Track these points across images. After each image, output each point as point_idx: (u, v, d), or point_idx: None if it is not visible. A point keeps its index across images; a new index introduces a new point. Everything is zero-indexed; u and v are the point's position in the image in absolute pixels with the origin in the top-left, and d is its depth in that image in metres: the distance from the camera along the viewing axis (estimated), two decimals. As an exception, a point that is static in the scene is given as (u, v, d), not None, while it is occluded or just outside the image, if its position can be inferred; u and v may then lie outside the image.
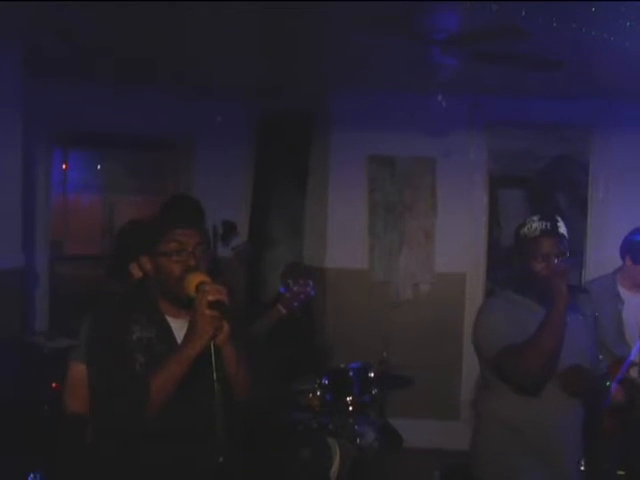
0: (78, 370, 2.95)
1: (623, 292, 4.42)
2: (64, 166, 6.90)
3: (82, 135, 6.77)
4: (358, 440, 5.11)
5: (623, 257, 4.49)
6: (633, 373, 4.30)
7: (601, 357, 4.11)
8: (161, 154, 7.36)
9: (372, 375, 5.22)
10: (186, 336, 2.27)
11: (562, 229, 3.04)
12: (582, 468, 4.80)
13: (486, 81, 5.69)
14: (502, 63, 4.39)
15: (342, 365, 5.29)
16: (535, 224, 3.04)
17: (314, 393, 5.09)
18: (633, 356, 4.31)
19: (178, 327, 2.37)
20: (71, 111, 6.12)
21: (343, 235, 6.78)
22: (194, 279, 2.28)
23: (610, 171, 6.29)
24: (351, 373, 5.17)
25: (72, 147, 7.01)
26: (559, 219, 3.07)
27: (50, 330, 5.69)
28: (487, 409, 3.27)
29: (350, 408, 5.10)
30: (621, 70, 5.00)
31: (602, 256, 5.31)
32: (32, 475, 3.63)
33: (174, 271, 2.36)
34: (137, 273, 2.53)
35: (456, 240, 6.63)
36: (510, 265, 3.17)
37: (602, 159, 6.36)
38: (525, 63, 4.32)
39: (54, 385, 4.08)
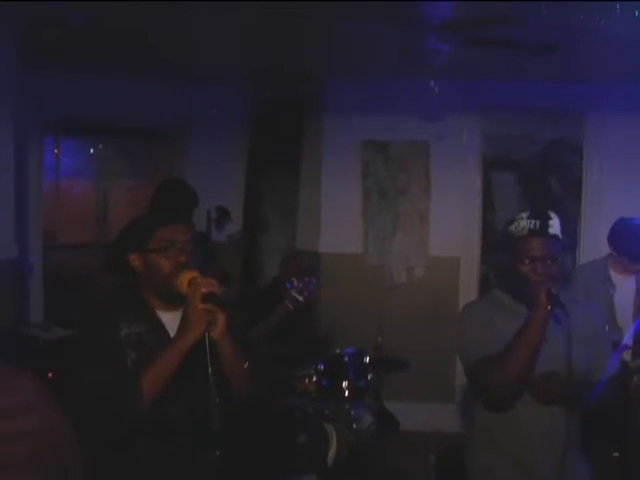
0: None
1: (615, 276, 4.43)
2: (55, 151, 6.86)
3: (74, 123, 6.73)
4: (354, 425, 5.13)
5: (610, 244, 4.49)
6: (626, 357, 4.33)
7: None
8: (154, 142, 7.33)
9: (367, 360, 5.23)
10: (179, 329, 2.27)
11: (554, 228, 2.73)
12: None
13: (480, 65, 5.68)
14: (496, 48, 4.37)
15: (337, 350, 5.31)
16: (523, 222, 2.76)
17: (310, 379, 5.11)
18: (627, 340, 4.34)
19: (170, 320, 2.36)
20: (63, 99, 6.08)
21: (337, 220, 6.79)
22: (185, 276, 2.28)
23: (604, 154, 6.29)
24: (346, 358, 5.19)
25: (64, 135, 6.97)
26: (552, 216, 2.76)
27: (45, 321, 5.67)
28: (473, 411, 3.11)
29: (346, 393, 5.12)
30: (614, 54, 5.00)
31: (596, 239, 5.31)
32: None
33: (164, 268, 2.36)
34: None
35: (450, 224, 6.64)
36: (499, 261, 2.92)
37: (596, 143, 6.36)
38: (519, 48, 4.30)
39: (50, 375, 4.09)
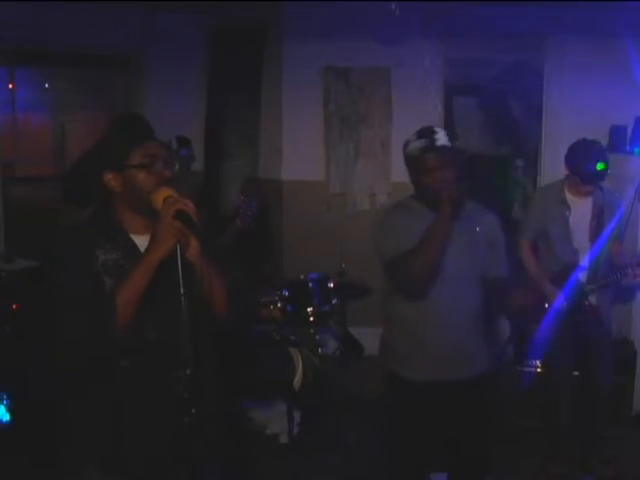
0: None
1: (570, 198, 4.45)
2: (10, 86, 6.70)
3: (28, 53, 6.55)
4: (320, 350, 5.22)
5: (566, 165, 4.51)
6: (583, 278, 4.42)
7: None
8: (112, 71, 7.18)
9: (331, 285, 5.29)
10: (149, 244, 2.26)
11: (440, 141, 3.10)
12: (538, 370, 5.03)
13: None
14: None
15: (301, 276, 5.35)
16: (414, 143, 3.15)
17: (275, 305, 5.15)
18: (584, 262, 4.42)
19: (145, 244, 2.34)
20: (16, 28, 5.90)
21: (298, 147, 6.77)
22: (162, 193, 2.26)
23: (564, 77, 6.30)
24: (311, 284, 5.23)
25: (19, 67, 6.80)
26: (437, 130, 3.14)
27: (7, 253, 5.61)
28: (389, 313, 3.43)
29: (311, 318, 5.18)
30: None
31: (556, 162, 5.34)
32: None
33: (147, 184, 2.32)
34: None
35: (412, 150, 6.63)
36: (410, 176, 3.26)
37: (556, 65, 6.36)
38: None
39: (14, 307, 4.08)
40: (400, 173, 6.54)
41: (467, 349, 3.22)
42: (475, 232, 3.20)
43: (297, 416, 4.90)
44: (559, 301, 4.32)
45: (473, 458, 3.35)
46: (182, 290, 2.17)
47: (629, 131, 5.79)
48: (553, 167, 5.87)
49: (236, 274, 4.05)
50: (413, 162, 3.19)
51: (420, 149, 3.12)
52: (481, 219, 3.27)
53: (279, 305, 5.17)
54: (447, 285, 3.14)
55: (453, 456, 3.38)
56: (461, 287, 3.18)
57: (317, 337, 5.23)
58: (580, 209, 4.44)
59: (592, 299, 4.42)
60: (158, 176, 2.34)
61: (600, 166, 4.35)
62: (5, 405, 4.10)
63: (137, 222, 2.41)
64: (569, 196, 4.47)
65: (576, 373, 4.61)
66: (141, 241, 2.38)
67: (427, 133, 3.14)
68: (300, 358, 4.94)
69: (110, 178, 2.37)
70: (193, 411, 2.17)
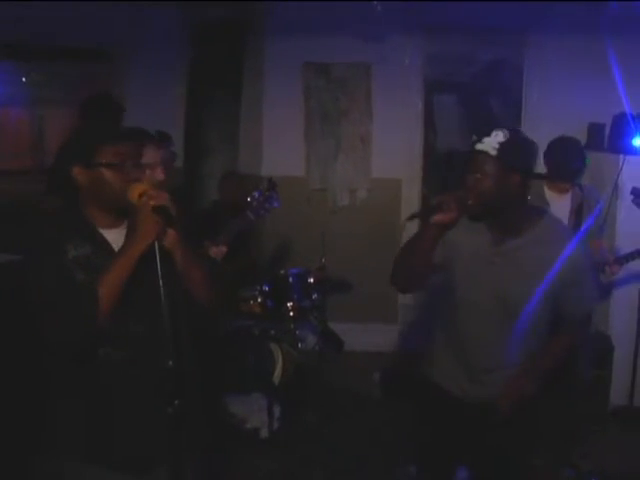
0: None
1: (549, 194, 4.48)
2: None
3: (6, 45, 6.47)
4: (300, 345, 5.23)
5: (544, 162, 4.54)
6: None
7: None
8: (92, 65, 7.12)
9: (311, 280, 5.30)
10: (128, 237, 2.27)
11: (484, 145, 2.76)
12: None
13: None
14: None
15: (282, 271, 5.36)
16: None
17: (255, 300, 5.16)
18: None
19: (115, 239, 2.35)
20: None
21: (279, 143, 6.77)
22: (137, 188, 2.27)
23: (543, 75, 6.34)
24: (291, 279, 5.25)
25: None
26: (494, 134, 2.77)
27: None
28: None
29: (291, 313, 5.19)
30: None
31: (535, 159, 5.38)
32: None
33: (115, 183, 2.32)
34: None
35: (392, 146, 6.66)
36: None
37: (536, 63, 6.40)
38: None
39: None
40: (380, 169, 6.70)
41: (483, 378, 3.01)
42: (523, 264, 2.85)
43: (277, 410, 4.90)
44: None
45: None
46: (161, 282, 2.18)
47: (607, 129, 5.83)
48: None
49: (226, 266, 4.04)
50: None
51: (470, 146, 2.84)
52: (549, 249, 2.84)
53: (259, 300, 5.17)
54: (469, 312, 2.96)
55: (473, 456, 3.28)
56: (484, 320, 2.94)
57: (297, 332, 5.24)
58: (559, 206, 4.46)
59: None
60: (126, 176, 2.34)
61: (578, 163, 4.39)
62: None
63: (104, 217, 2.40)
64: (548, 193, 4.50)
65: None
66: (111, 236, 2.39)
67: (483, 132, 2.81)
68: (280, 353, 4.95)
69: (77, 173, 2.36)
70: (176, 402, 2.17)
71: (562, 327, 3.04)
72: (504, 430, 2.97)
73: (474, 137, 2.82)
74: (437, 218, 2.77)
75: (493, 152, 2.74)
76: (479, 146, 2.77)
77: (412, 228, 4.46)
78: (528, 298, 2.83)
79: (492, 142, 2.75)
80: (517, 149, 2.80)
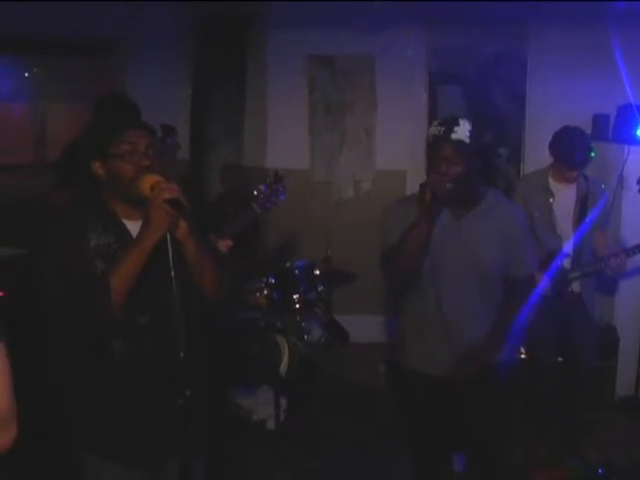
0: None
1: (554, 185, 4.48)
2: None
3: (9, 40, 6.46)
4: (305, 337, 5.24)
5: (550, 152, 4.55)
6: (567, 264, 4.46)
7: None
8: (95, 60, 7.11)
9: (317, 272, 5.32)
10: (141, 229, 2.28)
11: (457, 134, 2.96)
12: (522, 356, 5.07)
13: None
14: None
15: (288, 264, 5.37)
16: (432, 130, 3.04)
17: (261, 292, 5.17)
18: (567, 249, 4.45)
19: (136, 229, 2.35)
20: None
21: (283, 135, 6.78)
22: (148, 179, 2.27)
23: (547, 67, 6.32)
24: (297, 271, 5.26)
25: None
26: (460, 123, 2.98)
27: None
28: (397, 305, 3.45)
29: (297, 305, 5.21)
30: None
31: (539, 150, 5.37)
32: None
33: (127, 172, 2.34)
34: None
35: (396, 138, 6.66)
36: None
37: (539, 55, 6.37)
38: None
39: (1, 294, 4.07)
40: (384, 161, 6.69)
41: (463, 348, 3.16)
42: (483, 231, 3.12)
43: (283, 402, 4.93)
44: (541, 287, 4.35)
45: (487, 443, 3.34)
46: (173, 273, 2.19)
47: (611, 120, 5.83)
48: (536, 155, 5.89)
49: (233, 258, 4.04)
50: (427, 149, 3.12)
51: (434, 136, 3.01)
52: (497, 217, 3.16)
53: (265, 292, 5.19)
54: (446, 283, 3.13)
55: (467, 442, 3.40)
56: (461, 286, 3.13)
57: (303, 324, 5.26)
58: (564, 196, 4.48)
59: (575, 286, 4.46)
60: (135, 165, 2.35)
61: (584, 152, 4.40)
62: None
63: (126, 209, 2.43)
64: (553, 183, 4.50)
65: (560, 359, 4.67)
66: (132, 226, 2.40)
67: (446, 122, 3.01)
68: (286, 345, 4.97)
69: (97, 166, 2.40)
70: (187, 393, 2.18)
71: (510, 292, 3.25)
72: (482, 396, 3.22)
73: (441, 128, 2.99)
74: (434, 208, 2.97)
75: (467, 140, 2.97)
76: (454, 135, 2.96)
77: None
78: (493, 257, 3.13)
79: (464, 131, 2.98)
80: (479, 134, 3.09)
